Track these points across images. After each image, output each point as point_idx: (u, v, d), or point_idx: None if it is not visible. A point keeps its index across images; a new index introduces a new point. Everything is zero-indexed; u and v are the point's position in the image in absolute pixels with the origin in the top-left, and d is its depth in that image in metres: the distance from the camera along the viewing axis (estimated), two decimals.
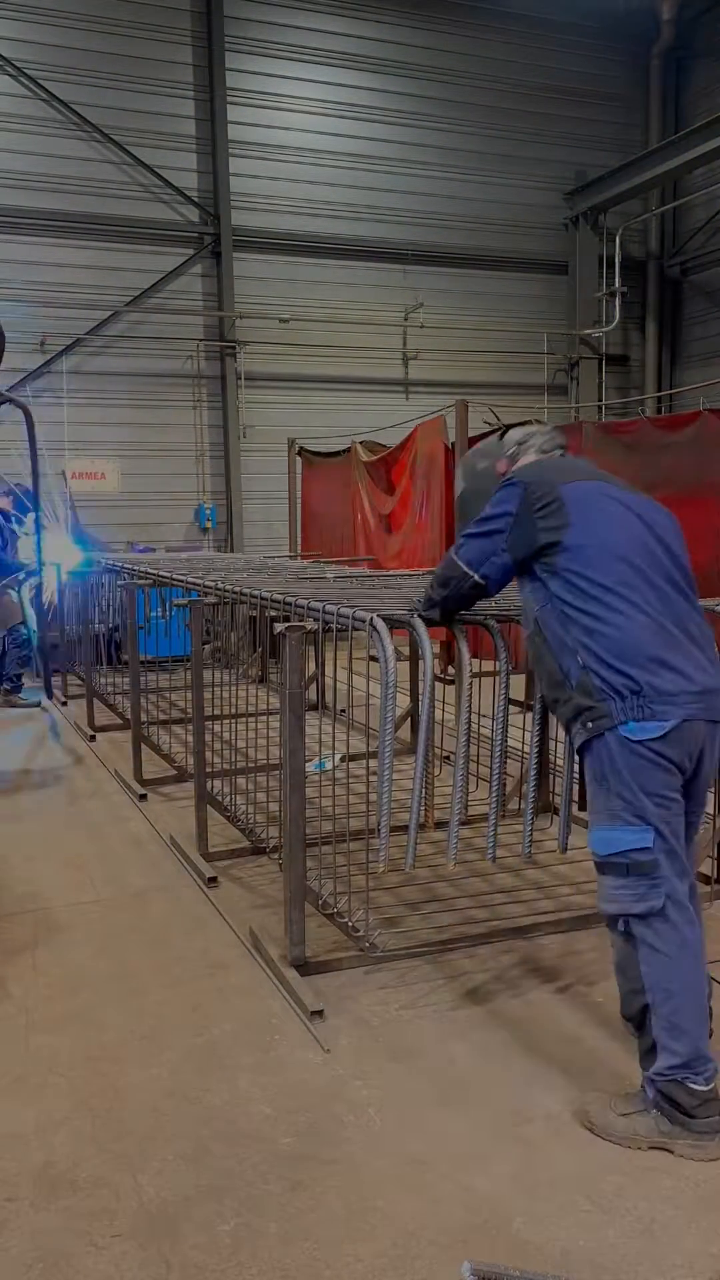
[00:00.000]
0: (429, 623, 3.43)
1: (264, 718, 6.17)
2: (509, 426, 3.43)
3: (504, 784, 3.73)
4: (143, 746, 6.65)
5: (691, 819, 2.91)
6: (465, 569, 3.09)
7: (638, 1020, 2.84)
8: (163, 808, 5.98)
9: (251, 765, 5.71)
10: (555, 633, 2.88)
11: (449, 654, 8.20)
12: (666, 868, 2.74)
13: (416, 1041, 3.34)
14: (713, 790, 4.03)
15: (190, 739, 5.64)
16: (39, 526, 7.05)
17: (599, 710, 2.77)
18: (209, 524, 12.41)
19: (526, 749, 3.85)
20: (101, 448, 11.78)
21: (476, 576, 3.07)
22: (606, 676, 2.75)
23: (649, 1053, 2.82)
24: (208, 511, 12.38)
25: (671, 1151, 2.72)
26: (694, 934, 2.79)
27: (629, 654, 2.74)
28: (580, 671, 2.81)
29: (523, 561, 2.97)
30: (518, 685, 5.40)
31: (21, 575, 7.80)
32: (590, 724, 2.80)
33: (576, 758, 3.03)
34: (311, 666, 7.71)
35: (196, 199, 12.12)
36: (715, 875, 4.52)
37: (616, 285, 13.54)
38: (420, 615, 3.43)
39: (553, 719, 4.57)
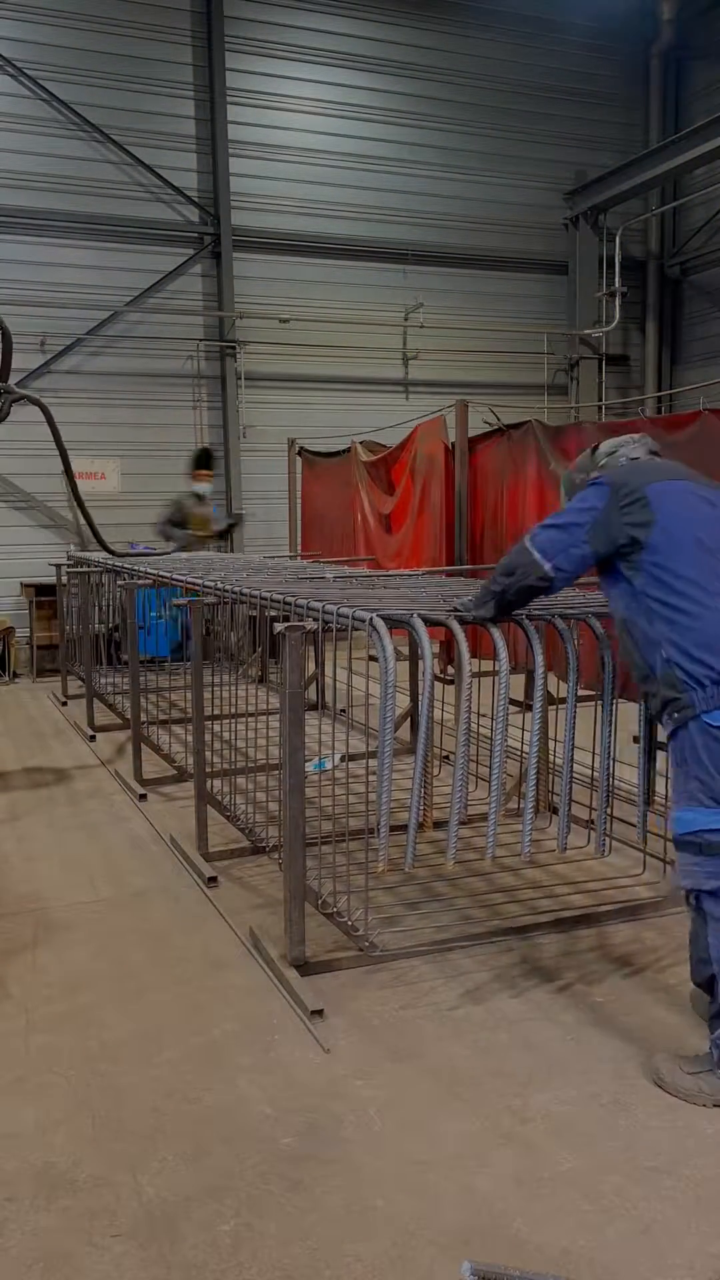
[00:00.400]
0: (476, 622, 3.46)
1: (264, 717, 6.17)
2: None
3: (504, 784, 3.73)
4: (143, 746, 6.66)
5: None
6: (537, 557, 3.13)
7: (706, 986, 3.05)
8: (163, 808, 5.98)
9: (251, 765, 5.71)
10: (642, 629, 3.00)
11: (449, 654, 8.20)
12: None
13: (416, 1041, 3.34)
14: None
15: (190, 739, 5.64)
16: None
17: (682, 701, 2.90)
18: None
19: (526, 749, 3.85)
20: (101, 448, 11.77)
21: (548, 567, 3.12)
22: (688, 667, 2.88)
23: (716, 1017, 3.02)
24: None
25: None
26: None
27: (711, 643, 2.86)
28: (664, 665, 2.94)
29: (606, 559, 3.07)
30: (517, 685, 5.39)
31: None
32: (675, 715, 2.94)
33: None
34: (311, 666, 7.72)
35: (196, 199, 12.11)
36: None
37: (616, 285, 13.52)
38: (468, 617, 3.45)
39: (552, 719, 4.57)
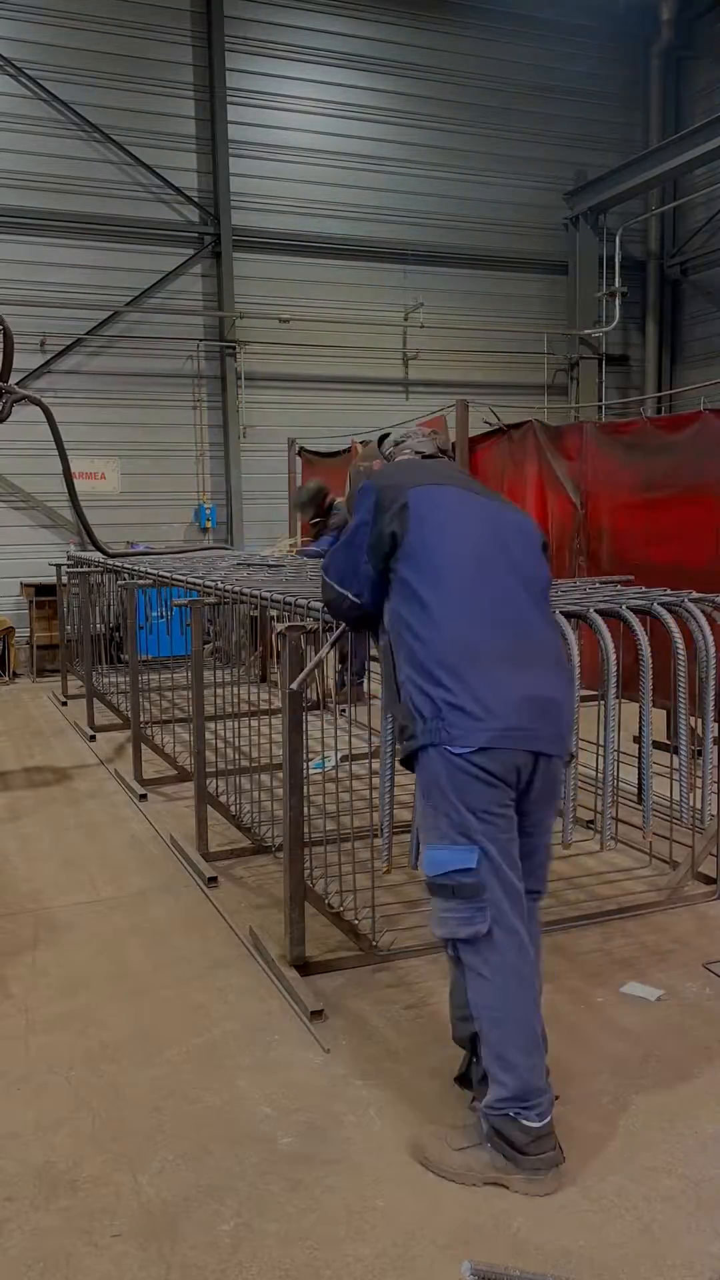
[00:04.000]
0: (343, 633, 3.42)
1: (263, 717, 6.16)
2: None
3: None
4: (143, 746, 6.65)
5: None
6: (337, 588, 2.95)
7: (469, 1048, 2.74)
8: (163, 808, 5.98)
9: (253, 765, 5.70)
10: (393, 646, 2.79)
11: None
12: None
13: (417, 1041, 3.34)
14: (717, 784, 4.04)
15: (190, 739, 5.64)
16: None
17: (410, 729, 2.67)
18: (209, 524, 12.41)
19: None
20: (101, 448, 11.77)
21: (351, 595, 2.92)
22: (413, 693, 2.66)
23: (481, 1082, 2.72)
24: (207, 511, 12.37)
25: (507, 1187, 2.60)
26: (525, 961, 2.67)
27: (441, 663, 2.62)
28: (401, 687, 2.72)
29: (382, 572, 2.83)
30: None
31: None
32: (404, 742, 2.71)
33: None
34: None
35: (196, 199, 12.11)
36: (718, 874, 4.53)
37: (616, 285, 13.53)
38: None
39: None
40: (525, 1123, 2.61)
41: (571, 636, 3.66)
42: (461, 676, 2.59)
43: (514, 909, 2.65)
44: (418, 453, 3.18)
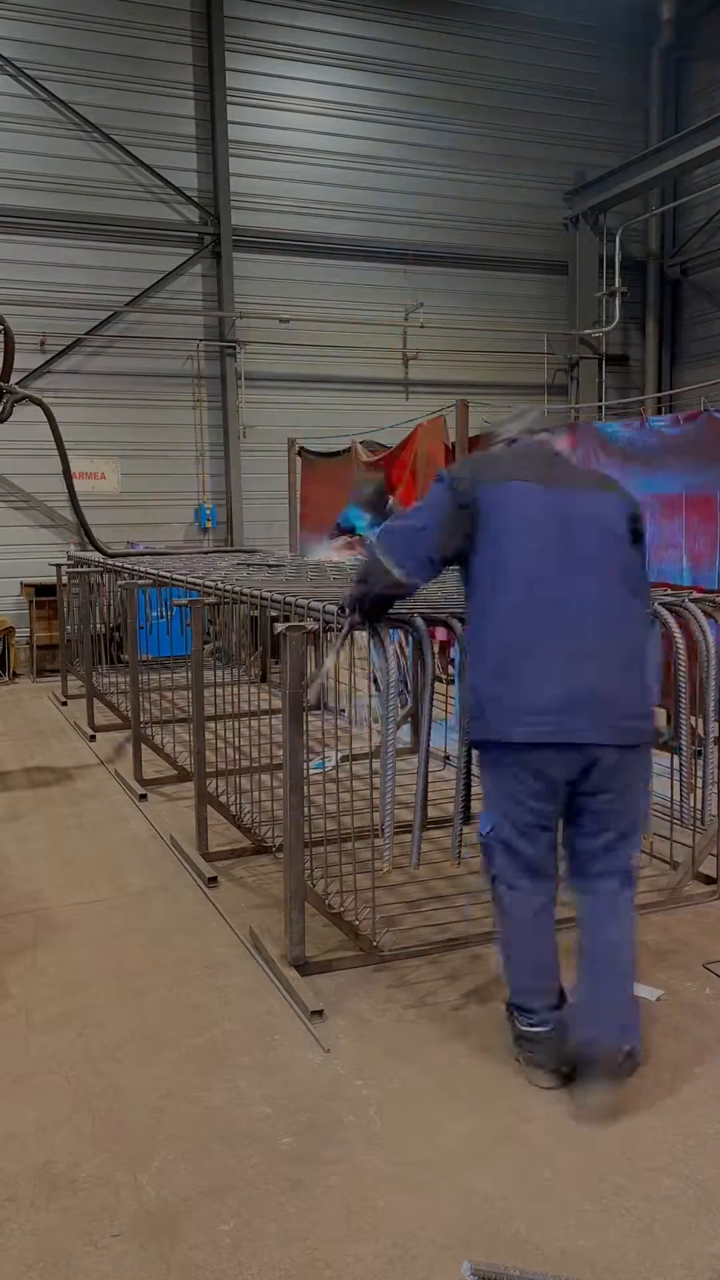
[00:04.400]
0: (355, 628, 3.37)
1: (263, 717, 6.17)
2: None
3: None
4: (143, 746, 6.65)
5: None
6: (386, 562, 3.01)
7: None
8: (163, 808, 5.98)
9: (253, 765, 5.71)
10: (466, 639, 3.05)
11: (450, 654, 8.18)
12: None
13: (417, 1041, 3.34)
14: (717, 784, 4.04)
15: (190, 739, 5.64)
16: None
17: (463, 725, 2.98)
18: (209, 524, 12.40)
19: None
20: (101, 448, 11.77)
21: (398, 573, 2.99)
22: (467, 691, 2.95)
23: None
24: (208, 511, 12.37)
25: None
26: (530, 913, 3.05)
27: (492, 667, 2.84)
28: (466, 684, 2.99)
29: (453, 559, 2.99)
30: None
31: None
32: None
33: None
34: (312, 666, 7.70)
35: (196, 199, 12.11)
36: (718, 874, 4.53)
37: (616, 285, 13.52)
38: (343, 625, 3.37)
39: None
40: (518, 1023, 3.09)
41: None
42: (506, 672, 2.77)
43: (517, 875, 3.01)
44: (505, 439, 3.21)
